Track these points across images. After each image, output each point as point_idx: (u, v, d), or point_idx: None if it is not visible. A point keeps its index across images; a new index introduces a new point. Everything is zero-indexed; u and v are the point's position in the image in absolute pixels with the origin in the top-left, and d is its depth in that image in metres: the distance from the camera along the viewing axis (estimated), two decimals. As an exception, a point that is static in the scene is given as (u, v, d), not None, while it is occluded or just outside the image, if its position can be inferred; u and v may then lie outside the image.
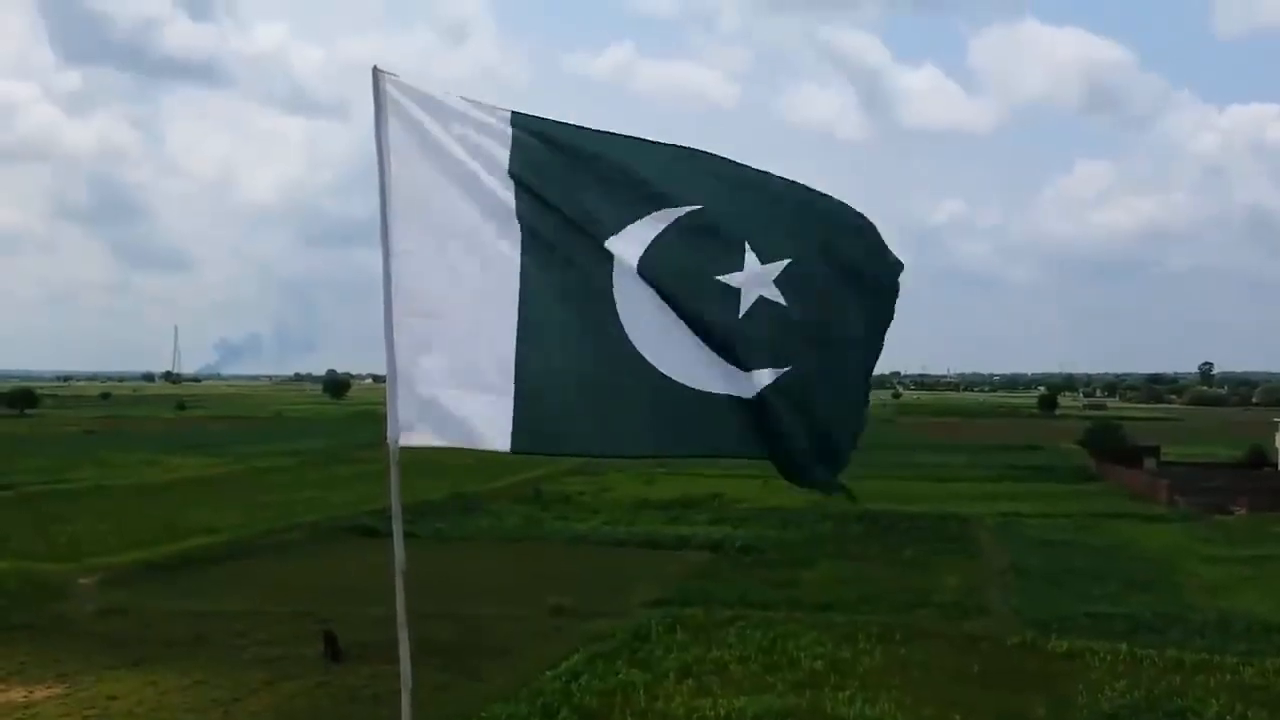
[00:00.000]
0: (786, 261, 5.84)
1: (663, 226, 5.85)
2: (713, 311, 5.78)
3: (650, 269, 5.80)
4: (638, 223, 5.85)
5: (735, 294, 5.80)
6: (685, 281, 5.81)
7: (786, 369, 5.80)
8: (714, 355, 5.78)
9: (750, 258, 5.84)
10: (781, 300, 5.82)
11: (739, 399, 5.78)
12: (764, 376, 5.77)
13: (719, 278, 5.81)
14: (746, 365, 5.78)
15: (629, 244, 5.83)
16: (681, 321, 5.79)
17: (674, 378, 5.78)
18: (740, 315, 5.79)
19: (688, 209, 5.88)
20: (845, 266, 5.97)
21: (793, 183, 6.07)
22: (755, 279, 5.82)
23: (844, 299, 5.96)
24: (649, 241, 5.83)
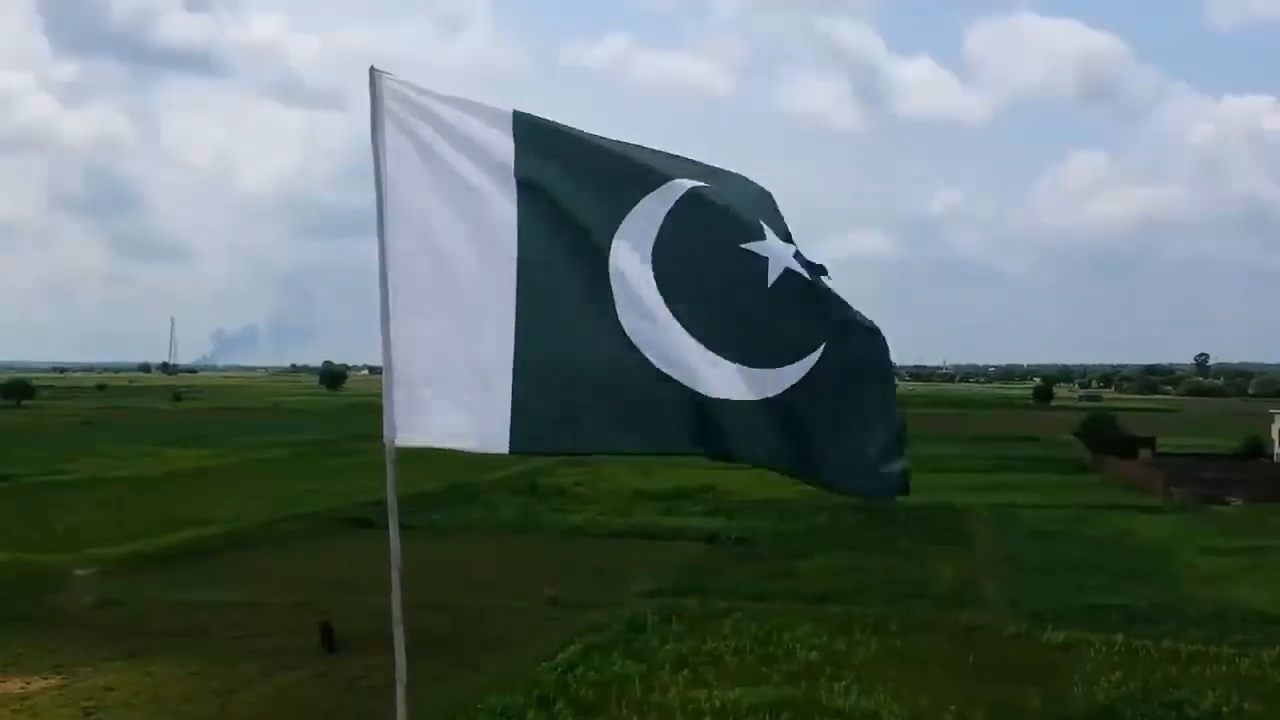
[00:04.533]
0: (796, 249, 5.81)
1: (677, 196, 5.76)
2: (741, 282, 5.67)
3: (667, 244, 5.72)
4: (649, 197, 5.76)
5: (763, 262, 5.69)
6: (710, 251, 5.71)
7: (819, 350, 5.65)
8: (717, 357, 5.68)
9: (769, 233, 5.74)
10: (805, 274, 5.71)
11: (741, 401, 5.68)
12: (789, 374, 5.64)
13: (744, 245, 5.70)
14: (773, 360, 5.65)
15: (641, 223, 5.75)
16: (679, 324, 5.70)
17: (674, 377, 5.71)
18: (769, 285, 5.68)
19: (699, 184, 5.80)
20: None
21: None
22: (779, 252, 5.72)
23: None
24: (663, 216, 5.74)
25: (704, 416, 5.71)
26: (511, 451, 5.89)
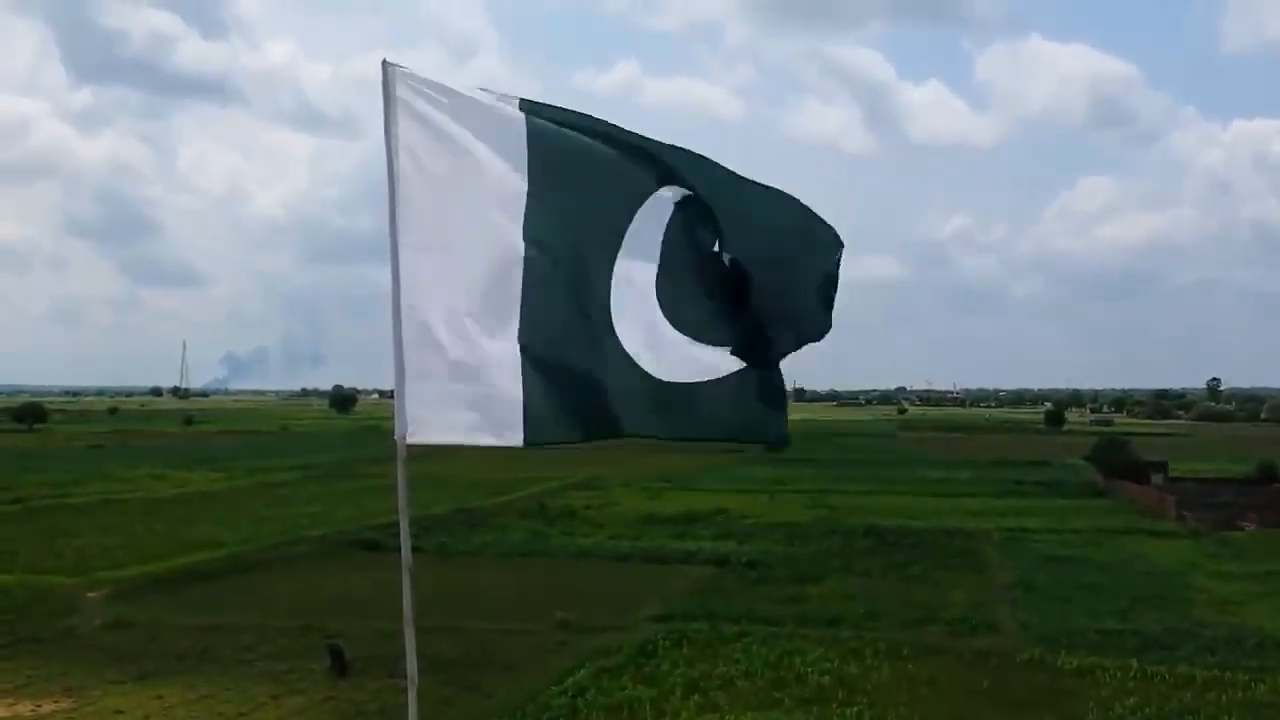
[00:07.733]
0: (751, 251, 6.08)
1: (670, 210, 6.05)
2: (721, 281, 6.00)
3: (672, 240, 6.05)
4: (660, 192, 6.02)
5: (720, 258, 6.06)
6: (685, 254, 6.04)
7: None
8: (698, 344, 5.95)
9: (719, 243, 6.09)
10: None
11: (716, 381, 5.96)
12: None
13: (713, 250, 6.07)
14: (738, 340, 6.01)
15: (651, 220, 6.00)
16: (666, 319, 5.95)
17: (657, 375, 5.92)
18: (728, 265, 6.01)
19: (684, 193, 6.05)
20: (796, 265, 6.19)
21: (764, 187, 6.22)
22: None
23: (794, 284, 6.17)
24: (670, 212, 6.03)
25: (693, 404, 5.99)
26: (526, 445, 5.90)
